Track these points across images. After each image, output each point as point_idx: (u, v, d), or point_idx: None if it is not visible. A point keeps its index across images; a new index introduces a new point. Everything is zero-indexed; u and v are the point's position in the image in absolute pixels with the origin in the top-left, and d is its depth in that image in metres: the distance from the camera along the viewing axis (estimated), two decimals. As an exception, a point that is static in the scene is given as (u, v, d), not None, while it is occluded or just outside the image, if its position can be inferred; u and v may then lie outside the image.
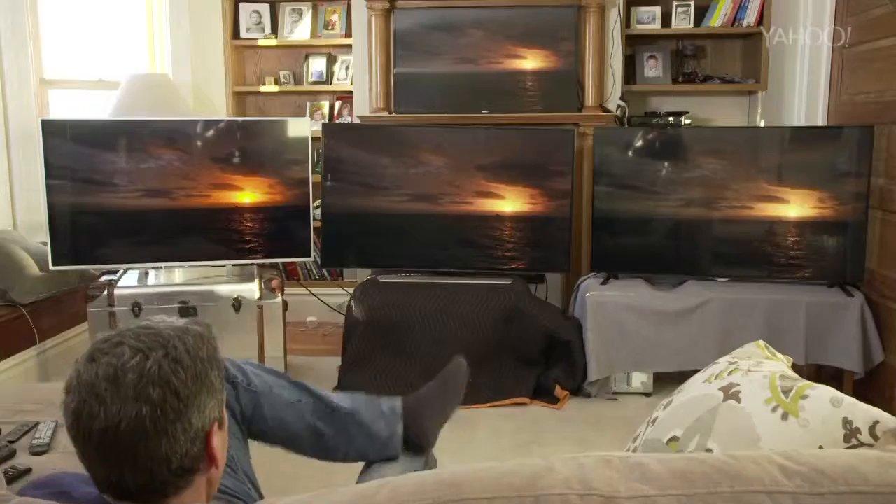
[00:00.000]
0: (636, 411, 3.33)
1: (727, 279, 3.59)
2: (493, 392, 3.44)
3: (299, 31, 4.72)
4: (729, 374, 1.39)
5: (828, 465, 0.89)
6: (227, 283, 3.55)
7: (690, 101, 4.41)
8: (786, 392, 1.26)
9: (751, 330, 3.35)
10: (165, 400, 0.93)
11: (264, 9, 4.74)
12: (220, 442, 1.02)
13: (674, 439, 1.36)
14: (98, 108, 4.34)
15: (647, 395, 3.51)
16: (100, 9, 4.37)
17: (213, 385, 0.99)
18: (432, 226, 3.75)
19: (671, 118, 4.17)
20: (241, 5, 4.71)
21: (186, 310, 3.46)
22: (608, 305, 3.47)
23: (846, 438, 1.15)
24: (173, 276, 3.70)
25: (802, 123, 3.82)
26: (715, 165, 3.54)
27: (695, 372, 1.59)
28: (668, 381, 3.51)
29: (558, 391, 3.43)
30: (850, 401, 1.20)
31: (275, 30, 4.73)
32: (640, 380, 3.51)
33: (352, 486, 0.92)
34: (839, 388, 1.49)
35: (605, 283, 3.62)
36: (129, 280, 3.55)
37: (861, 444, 1.14)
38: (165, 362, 0.95)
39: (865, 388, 3.35)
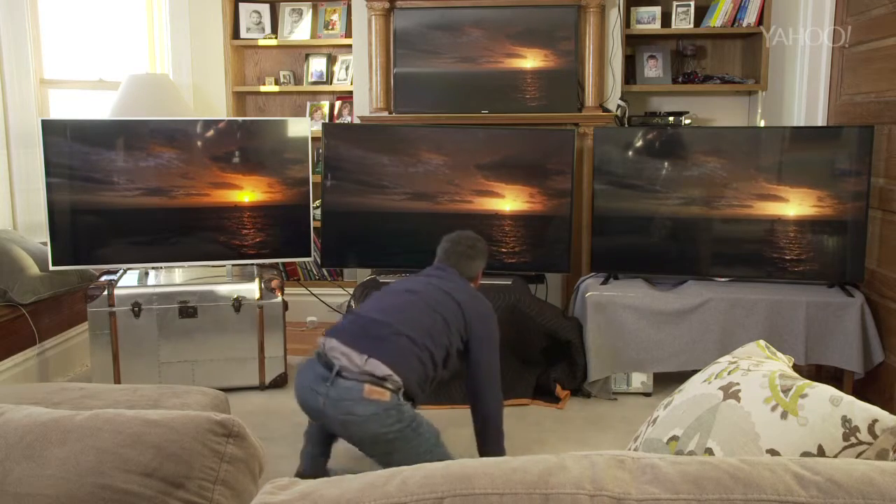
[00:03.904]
0: (636, 411, 3.34)
1: (727, 279, 3.59)
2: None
3: (299, 31, 4.72)
4: (729, 373, 1.39)
5: (844, 476, 0.87)
6: (227, 283, 3.54)
7: (690, 101, 4.42)
8: (785, 391, 1.26)
9: (751, 330, 3.35)
10: (474, 249, 2.81)
11: (264, 9, 4.74)
12: (477, 279, 2.86)
13: (674, 438, 1.36)
14: (98, 108, 4.34)
15: (647, 395, 3.51)
16: (100, 9, 4.38)
17: (483, 257, 2.83)
18: (432, 225, 3.75)
19: (671, 118, 4.17)
20: (241, 5, 4.71)
21: (186, 310, 3.46)
22: (608, 305, 3.47)
23: (845, 437, 1.15)
24: (173, 276, 3.70)
25: (802, 123, 3.82)
26: (715, 165, 3.54)
27: (695, 372, 1.59)
28: (668, 381, 3.51)
29: (559, 391, 3.43)
30: (849, 399, 1.20)
31: (275, 30, 4.73)
32: (640, 380, 3.51)
33: (362, 475, 0.92)
34: (839, 388, 1.49)
35: (605, 283, 3.62)
36: (129, 280, 3.55)
37: (860, 443, 1.14)
38: (477, 240, 2.84)
39: (865, 388, 3.35)
